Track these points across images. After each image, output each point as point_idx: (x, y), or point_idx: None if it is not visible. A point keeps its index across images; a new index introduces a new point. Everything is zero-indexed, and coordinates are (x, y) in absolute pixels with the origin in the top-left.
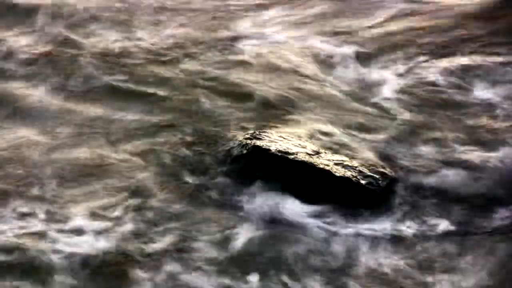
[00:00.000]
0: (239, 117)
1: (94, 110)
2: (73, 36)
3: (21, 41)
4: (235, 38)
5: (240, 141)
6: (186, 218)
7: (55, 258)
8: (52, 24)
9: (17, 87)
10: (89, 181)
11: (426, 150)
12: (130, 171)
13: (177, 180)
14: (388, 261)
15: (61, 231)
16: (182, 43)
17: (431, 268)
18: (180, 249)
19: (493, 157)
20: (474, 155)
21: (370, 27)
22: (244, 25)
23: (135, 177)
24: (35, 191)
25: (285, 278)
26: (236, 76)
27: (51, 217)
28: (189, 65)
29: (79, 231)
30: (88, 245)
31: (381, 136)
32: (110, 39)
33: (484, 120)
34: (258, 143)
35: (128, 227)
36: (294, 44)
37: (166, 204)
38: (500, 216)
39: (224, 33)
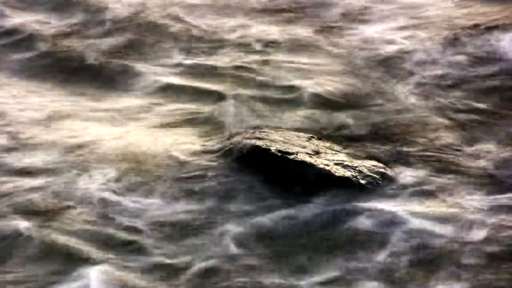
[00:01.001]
0: (239, 117)
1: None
2: None
3: None
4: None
5: (240, 141)
6: (185, 219)
7: None
8: None
9: None
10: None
11: (428, 150)
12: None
13: (176, 181)
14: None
15: None
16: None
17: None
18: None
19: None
20: (479, 153)
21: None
22: None
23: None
24: None
25: (286, 280)
26: (236, 74)
27: None
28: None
29: None
30: None
31: (382, 136)
32: None
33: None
34: (258, 143)
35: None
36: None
37: (165, 204)
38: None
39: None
